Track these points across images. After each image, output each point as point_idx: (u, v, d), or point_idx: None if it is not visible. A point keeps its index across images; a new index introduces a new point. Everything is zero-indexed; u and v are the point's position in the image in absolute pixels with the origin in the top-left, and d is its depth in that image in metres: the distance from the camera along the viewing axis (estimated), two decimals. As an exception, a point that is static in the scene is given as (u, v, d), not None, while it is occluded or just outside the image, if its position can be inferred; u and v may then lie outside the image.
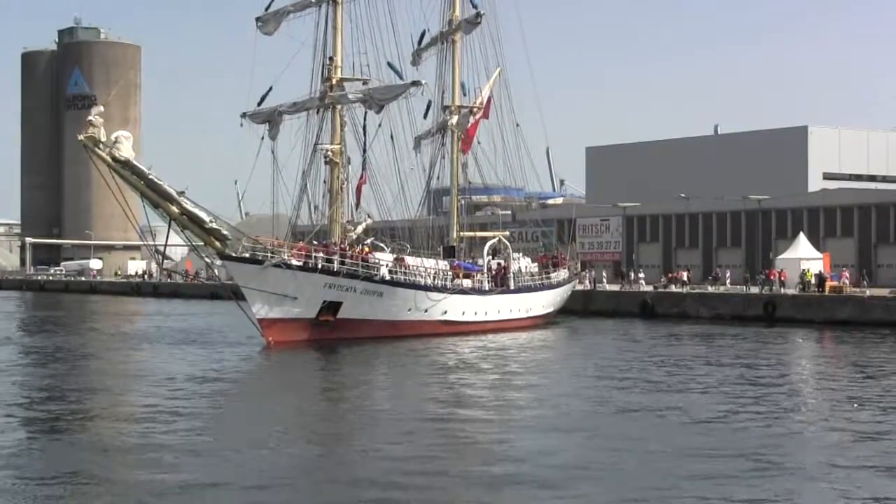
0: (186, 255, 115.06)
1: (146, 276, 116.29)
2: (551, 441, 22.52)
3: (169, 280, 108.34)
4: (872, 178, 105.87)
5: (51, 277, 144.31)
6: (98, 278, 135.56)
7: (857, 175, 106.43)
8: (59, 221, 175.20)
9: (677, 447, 21.54)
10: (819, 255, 69.32)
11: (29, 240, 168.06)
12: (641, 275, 77.44)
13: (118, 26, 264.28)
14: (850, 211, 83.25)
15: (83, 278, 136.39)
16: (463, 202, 64.74)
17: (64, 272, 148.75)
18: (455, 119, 60.89)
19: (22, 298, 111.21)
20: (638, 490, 18.01)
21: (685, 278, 74.41)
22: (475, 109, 61.51)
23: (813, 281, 62.49)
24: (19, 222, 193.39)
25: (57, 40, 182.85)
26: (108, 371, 36.92)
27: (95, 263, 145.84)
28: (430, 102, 60.81)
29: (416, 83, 52.42)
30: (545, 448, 21.60)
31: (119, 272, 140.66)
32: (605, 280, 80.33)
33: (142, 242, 49.80)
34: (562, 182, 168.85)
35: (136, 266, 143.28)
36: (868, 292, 61.01)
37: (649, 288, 73.14)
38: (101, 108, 43.94)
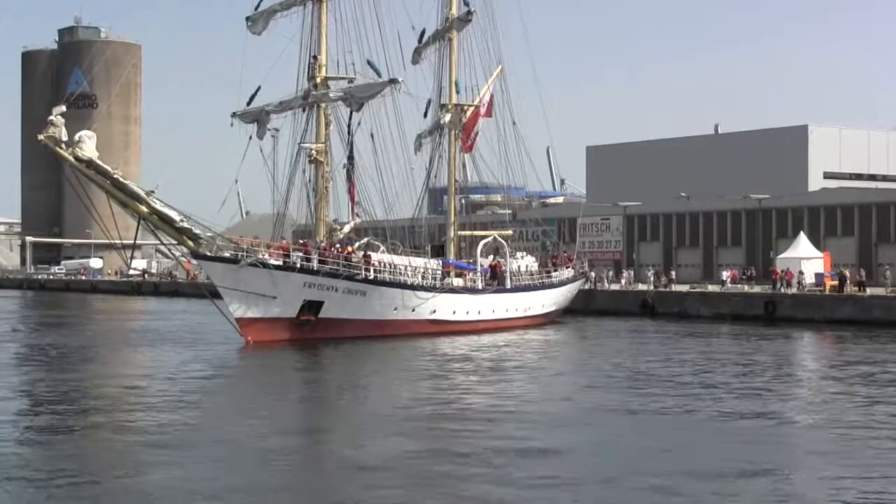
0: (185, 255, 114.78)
1: (145, 276, 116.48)
2: (537, 438, 22.47)
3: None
4: (873, 178, 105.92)
5: (51, 277, 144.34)
6: (99, 277, 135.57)
7: (857, 174, 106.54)
8: (60, 220, 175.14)
9: (676, 446, 21.53)
10: (819, 254, 69.27)
11: (29, 239, 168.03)
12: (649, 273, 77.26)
13: (118, 26, 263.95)
14: (850, 210, 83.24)
15: (83, 277, 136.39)
16: (462, 201, 64.63)
17: (64, 271, 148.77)
18: (448, 117, 60.87)
19: (22, 297, 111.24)
20: (634, 490, 17.98)
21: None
22: (466, 108, 61.37)
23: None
24: (20, 221, 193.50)
25: (57, 39, 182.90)
26: (89, 371, 36.58)
27: (96, 262, 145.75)
28: (429, 101, 60.96)
29: (393, 81, 52.22)
30: (531, 445, 21.57)
31: (114, 272, 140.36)
32: (605, 279, 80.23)
33: (103, 241, 49.62)
34: (562, 181, 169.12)
35: (136, 265, 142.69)
36: (868, 291, 61.04)
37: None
38: (63, 108, 43.89)
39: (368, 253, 52.14)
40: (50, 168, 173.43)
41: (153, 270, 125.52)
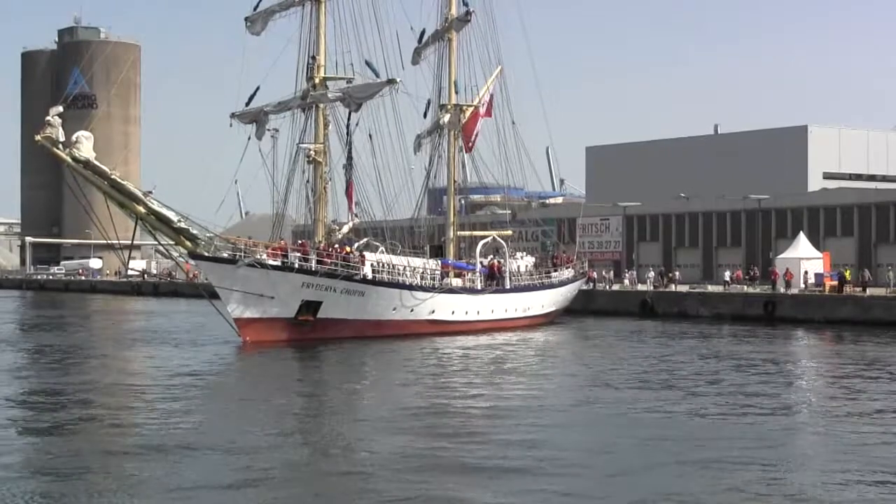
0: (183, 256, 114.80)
1: (144, 276, 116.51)
2: (537, 437, 22.44)
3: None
4: (872, 178, 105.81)
5: (51, 277, 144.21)
6: (99, 277, 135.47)
7: (857, 174, 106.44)
8: (59, 221, 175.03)
9: (676, 446, 21.49)
10: (819, 254, 69.21)
11: (29, 239, 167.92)
12: (648, 273, 77.14)
13: (118, 26, 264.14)
14: (850, 210, 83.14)
15: (83, 278, 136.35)
16: (462, 202, 64.54)
17: (64, 272, 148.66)
18: (447, 117, 60.85)
19: (22, 298, 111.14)
20: (635, 489, 17.93)
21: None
22: (466, 108, 61.30)
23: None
24: (19, 221, 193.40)
25: (57, 40, 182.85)
26: (87, 371, 36.60)
27: (95, 263, 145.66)
28: (429, 101, 60.97)
29: (391, 81, 52.27)
30: (531, 445, 21.53)
31: (114, 272, 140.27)
32: (607, 280, 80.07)
33: (103, 241, 49.59)
34: (562, 181, 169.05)
35: (136, 265, 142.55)
36: (868, 291, 60.96)
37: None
38: (60, 109, 43.86)
39: (363, 252, 52.12)
40: (50, 168, 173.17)
41: (153, 271, 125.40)
